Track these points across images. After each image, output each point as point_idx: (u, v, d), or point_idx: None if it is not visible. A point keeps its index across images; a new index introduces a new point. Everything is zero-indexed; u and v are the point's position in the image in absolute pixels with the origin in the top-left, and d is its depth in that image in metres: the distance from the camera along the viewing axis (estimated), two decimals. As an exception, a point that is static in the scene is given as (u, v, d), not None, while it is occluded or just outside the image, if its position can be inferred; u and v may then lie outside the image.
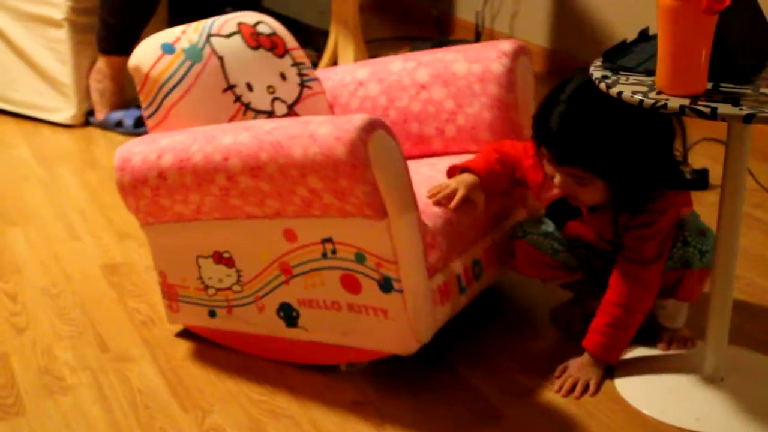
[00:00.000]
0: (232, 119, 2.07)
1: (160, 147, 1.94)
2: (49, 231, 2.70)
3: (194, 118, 2.03)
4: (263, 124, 1.86)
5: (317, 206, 1.80)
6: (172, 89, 2.02)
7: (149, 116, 2.05)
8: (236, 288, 1.99)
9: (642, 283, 1.89)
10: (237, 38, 2.15)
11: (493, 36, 4.29)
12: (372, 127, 1.73)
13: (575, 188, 1.86)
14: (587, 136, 1.79)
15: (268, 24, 2.25)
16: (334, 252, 1.85)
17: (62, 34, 3.46)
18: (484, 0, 4.31)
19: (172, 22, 3.77)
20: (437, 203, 1.93)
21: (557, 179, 1.87)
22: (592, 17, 3.92)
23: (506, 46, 2.21)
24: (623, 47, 1.84)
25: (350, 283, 1.86)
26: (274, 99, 2.15)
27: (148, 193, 1.97)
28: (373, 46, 4.15)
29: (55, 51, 3.49)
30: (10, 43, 3.57)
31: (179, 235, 2.01)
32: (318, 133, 1.75)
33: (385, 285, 1.82)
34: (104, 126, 3.52)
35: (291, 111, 2.17)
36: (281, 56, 2.20)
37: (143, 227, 2.07)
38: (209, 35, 2.11)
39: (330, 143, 1.73)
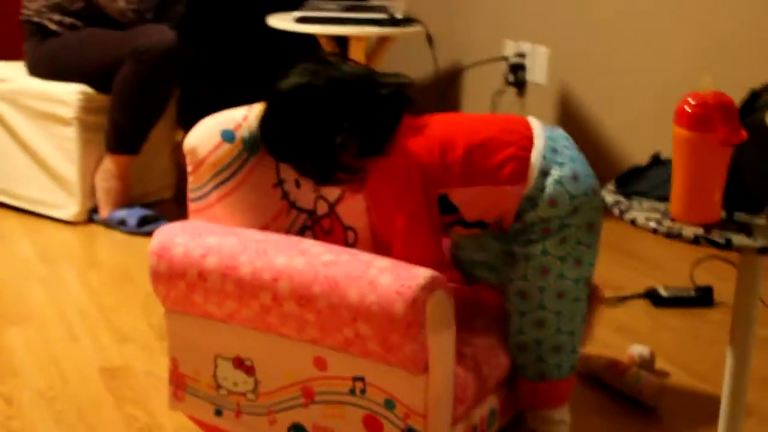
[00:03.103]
0: (276, 217, 2.04)
1: (206, 245, 1.89)
2: (48, 331, 2.67)
3: (241, 211, 2.00)
4: (320, 252, 1.81)
5: (358, 347, 1.76)
6: (225, 181, 1.98)
7: (194, 200, 2.01)
8: (251, 396, 1.94)
9: None
10: None
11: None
12: (433, 286, 1.70)
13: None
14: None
15: None
16: (363, 392, 1.80)
17: (71, 133, 3.48)
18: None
19: (181, 122, 3.80)
20: None
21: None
22: (601, 139, 3.97)
23: None
24: (636, 172, 1.84)
25: (373, 425, 1.80)
26: (318, 197, 2.13)
27: (182, 287, 1.91)
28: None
29: (62, 149, 3.51)
30: (19, 141, 3.59)
31: (202, 331, 1.96)
32: (379, 281, 1.71)
33: None
34: (107, 224, 3.52)
35: (332, 211, 2.16)
36: None
37: (166, 313, 2.01)
38: None
39: (390, 296, 1.69)
